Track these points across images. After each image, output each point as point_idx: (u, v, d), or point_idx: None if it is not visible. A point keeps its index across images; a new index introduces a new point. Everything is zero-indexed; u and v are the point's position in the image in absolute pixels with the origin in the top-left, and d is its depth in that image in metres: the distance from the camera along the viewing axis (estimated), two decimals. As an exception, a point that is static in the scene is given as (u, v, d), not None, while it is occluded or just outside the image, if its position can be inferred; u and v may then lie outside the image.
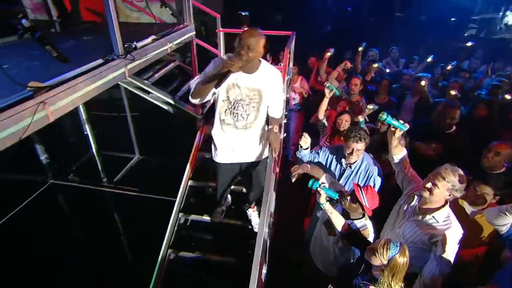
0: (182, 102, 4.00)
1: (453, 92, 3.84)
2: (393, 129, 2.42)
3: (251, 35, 2.12)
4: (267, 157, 2.82)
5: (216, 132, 2.65)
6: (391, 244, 2.02)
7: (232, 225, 3.41)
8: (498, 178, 2.87)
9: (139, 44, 2.52)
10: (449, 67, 5.00)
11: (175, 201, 3.56)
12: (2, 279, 3.28)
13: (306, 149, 3.00)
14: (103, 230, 4.01)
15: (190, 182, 3.70)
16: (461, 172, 2.19)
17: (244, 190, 3.44)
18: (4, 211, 4.05)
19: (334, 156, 3.07)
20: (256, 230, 3.26)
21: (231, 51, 2.35)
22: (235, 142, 2.63)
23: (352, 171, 2.97)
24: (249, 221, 3.33)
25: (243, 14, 7.57)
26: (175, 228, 3.43)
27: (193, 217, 3.51)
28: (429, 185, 2.21)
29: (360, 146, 2.79)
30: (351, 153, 2.82)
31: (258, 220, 3.28)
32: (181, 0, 3.44)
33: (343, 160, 2.98)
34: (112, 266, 3.54)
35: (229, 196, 3.33)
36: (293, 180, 2.75)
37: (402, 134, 2.48)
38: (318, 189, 2.39)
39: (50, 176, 4.72)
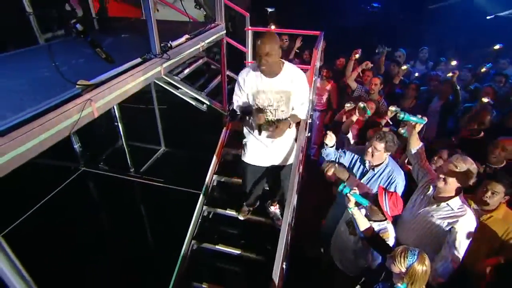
0: (210, 98, 4.12)
1: (485, 100, 3.73)
2: (413, 124, 2.60)
3: (264, 41, 2.15)
4: (291, 164, 2.87)
5: (249, 132, 2.74)
6: (409, 252, 2.04)
7: (254, 221, 3.49)
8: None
9: (174, 43, 2.62)
10: (483, 69, 4.83)
11: (198, 194, 3.68)
12: (35, 262, 3.54)
13: (331, 147, 3.02)
14: (129, 218, 4.21)
15: (215, 177, 3.82)
16: (471, 160, 2.30)
17: (266, 187, 3.51)
18: (39, 196, 4.32)
19: (359, 157, 3.09)
20: (278, 226, 3.33)
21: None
22: (266, 146, 2.70)
23: (375, 174, 2.97)
24: (271, 218, 3.40)
25: (269, 10, 7.58)
26: (199, 220, 3.56)
27: (217, 210, 3.62)
28: (442, 175, 2.32)
29: (379, 146, 2.80)
30: (370, 152, 2.85)
31: (280, 217, 3.35)
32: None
33: (367, 161, 2.99)
34: (138, 254, 3.72)
35: (255, 199, 3.38)
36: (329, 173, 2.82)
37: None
38: (348, 194, 2.43)
39: (82, 163, 4.99)
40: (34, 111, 1.58)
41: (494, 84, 4.38)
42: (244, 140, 2.85)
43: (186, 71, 4.12)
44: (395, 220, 2.71)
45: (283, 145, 2.73)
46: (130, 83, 2.11)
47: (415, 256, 2.03)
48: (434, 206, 2.43)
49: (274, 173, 2.99)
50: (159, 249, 3.86)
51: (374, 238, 2.49)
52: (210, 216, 3.72)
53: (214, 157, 3.85)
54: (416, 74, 5.28)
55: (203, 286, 3.15)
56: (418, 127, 2.61)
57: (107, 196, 4.65)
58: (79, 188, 4.68)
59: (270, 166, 2.89)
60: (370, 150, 2.85)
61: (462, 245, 2.30)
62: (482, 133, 3.44)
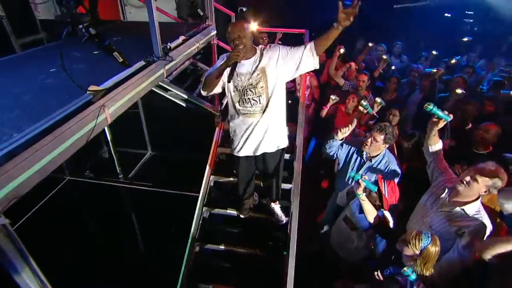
0: (200, 99, 4.04)
1: (459, 91, 3.94)
2: (436, 119, 2.44)
3: (233, 26, 2.25)
4: (284, 148, 2.87)
5: (235, 125, 2.68)
6: (423, 235, 2.14)
7: (255, 218, 3.48)
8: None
9: (173, 45, 2.55)
10: (453, 61, 5.13)
11: (192, 195, 3.63)
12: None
13: (340, 140, 3.08)
14: (124, 225, 4.07)
15: (212, 177, 3.76)
16: (503, 170, 2.24)
17: (263, 184, 3.51)
18: (25, 209, 4.05)
19: (356, 149, 3.17)
20: (282, 222, 3.36)
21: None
22: (254, 131, 2.62)
23: (372, 165, 3.07)
24: (273, 214, 3.41)
25: (244, 10, 7.55)
26: (200, 222, 3.50)
27: (216, 211, 3.57)
28: (467, 178, 2.26)
29: (379, 138, 2.90)
30: (369, 142, 2.95)
31: (281, 213, 3.38)
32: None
33: (364, 152, 3.08)
34: (139, 260, 3.62)
35: (255, 193, 3.36)
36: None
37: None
38: (360, 180, 2.48)
39: (67, 172, 4.72)
40: (50, 121, 1.47)
41: (464, 74, 4.66)
42: (232, 134, 2.80)
43: (175, 72, 4.00)
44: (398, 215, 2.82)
45: (270, 126, 2.64)
46: (138, 86, 2.03)
47: (429, 239, 2.13)
48: (447, 209, 2.39)
49: (267, 163, 2.94)
50: (161, 254, 3.76)
51: (381, 225, 2.58)
52: (210, 216, 3.67)
53: (210, 157, 3.79)
54: (393, 67, 5.50)
55: (210, 287, 3.11)
56: (441, 124, 2.45)
57: (97, 204, 4.46)
58: (66, 198, 4.45)
59: (262, 155, 2.83)
60: (369, 140, 2.93)
61: (472, 251, 2.24)
62: (470, 124, 3.63)
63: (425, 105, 2.42)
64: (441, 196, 2.47)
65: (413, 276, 2.00)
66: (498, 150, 3.19)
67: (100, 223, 4.21)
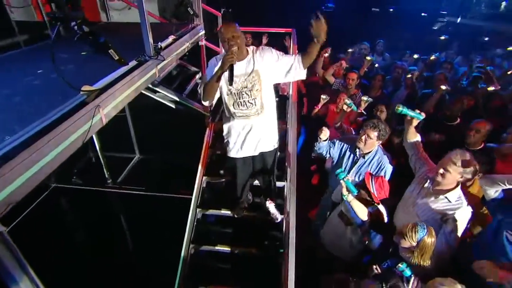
0: (190, 100, 3.98)
1: (443, 87, 4.06)
2: (409, 118, 2.58)
3: (227, 26, 2.22)
4: (277, 148, 2.87)
5: (229, 127, 2.66)
6: (419, 227, 2.17)
7: (249, 217, 3.45)
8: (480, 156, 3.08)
9: (163, 44, 2.49)
10: (432, 57, 5.29)
11: (184, 198, 3.57)
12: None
13: (325, 140, 3.09)
14: (117, 231, 3.94)
15: (204, 178, 3.71)
16: (469, 156, 2.37)
17: (256, 183, 3.49)
18: (9, 220, 3.85)
19: (349, 146, 3.19)
20: (277, 220, 3.34)
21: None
22: (252, 132, 2.62)
23: (365, 161, 3.09)
24: (268, 213, 3.39)
25: (228, 11, 7.53)
26: (194, 223, 3.44)
27: (210, 212, 3.52)
28: (441, 170, 2.38)
29: (373, 134, 2.92)
30: (363, 139, 2.95)
31: (276, 211, 3.36)
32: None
33: (357, 150, 3.10)
34: (134, 265, 3.51)
35: (249, 193, 3.34)
36: None
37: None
38: (342, 181, 2.52)
39: (52, 180, 4.54)
40: (44, 123, 1.40)
41: (444, 71, 4.81)
42: (226, 136, 2.76)
43: (162, 74, 3.93)
44: (391, 210, 2.84)
45: (265, 127, 2.66)
46: (132, 86, 1.97)
47: (425, 230, 2.17)
48: (432, 198, 2.50)
49: (263, 162, 2.93)
50: (156, 257, 3.66)
51: (375, 221, 2.61)
52: (204, 218, 3.61)
53: (201, 158, 3.74)
54: (376, 65, 5.60)
55: (208, 289, 3.06)
56: (415, 122, 2.60)
57: (87, 211, 4.29)
58: (53, 206, 4.27)
59: (258, 154, 2.82)
60: (363, 138, 2.95)
61: (457, 234, 2.39)
62: (458, 119, 3.73)
63: (396, 107, 2.56)
64: (424, 186, 2.57)
65: (407, 272, 2.01)
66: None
67: (91, 230, 4.06)
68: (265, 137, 2.68)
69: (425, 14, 9.21)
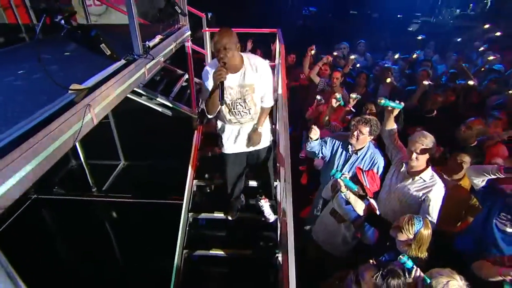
0: (177, 102, 3.89)
1: (426, 82, 4.18)
2: (390, 109, 2.79)
3: (220, 35, 2.10)
4: (270, 145, 2.86)
5: (223, 127, 2.67)
6: (415, 220, 2.19)
7: (242, 218, 3.38)
8: (472, 150, 3.15)
9: (151, 44, 2.41)
10: (414, 56, 5.45)
11: (174, 203, 3.47)
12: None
13: (316, 139, 3.08)
14: (105, 240, 3.76)
15: (194, 182, 3.61)
16: (428, 134, 2.60)
17: (251, 183, 3.44)
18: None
19: (341, 144, 3.19)
20: (269, 220, 3.29)
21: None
22: (242, 132, 2.65)
23: (358, 158, 3.10)
24: (262, 212, 3.33)
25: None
26: (186, 228, 3.34)
27: (203, 215, 3.43)
28: (415, 155, 2.58)
29: (365, 130, 2.94)
30: (355, 135, 2.97)
31: (270, 211, 3.31)
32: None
33: (349, 146, 3.11)
34: (127, 274, 3.34)
35: (242, 195, 3.28)
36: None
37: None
38: (339, 180, 2.51)
39: (32, 190, 4.29)
40: (31, 123, 1.30)
41: (426, 68, 4.94)
42: (220, 132, 2.74)
43: (150, 74, 3.81)
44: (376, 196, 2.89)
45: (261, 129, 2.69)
46: (122, 85, 1.87)
47: (421, 222, 2.18)
48: (410, 180, 2.68)
49: (255, 160, 2.91)
50: (148, 265, 3.52)
51: (371, 215, 2.61)
52: (197, 222, 3.51)
53: (191, 161, 3.64)
54: (358, 65, 5.70)
55: (205, 293, 2.96)
56: (395, 112, 2.81)
57: (71, 222, 4.07)
58: (35, 218, 4.02)
59: (249, 151, 2.81)
60: (355, 133, 2.97)
61: (435, 211, 2.57)
62: (435, 112, 3.84)
63: (378, 100, 2.78)
64: (401, 170, 2.77)
65: (409, 264, 2.00)
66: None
67: (77, 241, 3.83)
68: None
69: (401, 16, 9.53)
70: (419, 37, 6.28)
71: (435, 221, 2.59)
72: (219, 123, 2.69)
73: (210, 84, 2.31)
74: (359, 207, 2.57)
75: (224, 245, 3.25)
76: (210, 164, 3.89)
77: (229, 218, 3.30)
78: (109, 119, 4.83)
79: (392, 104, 2.75)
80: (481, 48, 6.16)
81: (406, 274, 1.96)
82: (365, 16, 9.37)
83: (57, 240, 3.80)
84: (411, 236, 2.20)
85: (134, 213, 4.16)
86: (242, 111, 2.49)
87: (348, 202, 2.77)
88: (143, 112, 4.30)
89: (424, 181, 2.63)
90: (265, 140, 2.77)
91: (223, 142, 2.72)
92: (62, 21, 1.42)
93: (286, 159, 2.85)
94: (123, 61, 2.02)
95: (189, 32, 3.39)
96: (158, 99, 3.70)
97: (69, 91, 1.51)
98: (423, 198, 2.61)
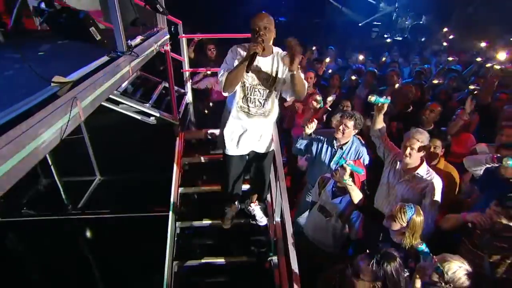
0: (156, 109, 3.69)
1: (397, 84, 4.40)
2: (380, 105, 2.73)
3: (264, 16, 2.10)
4: (273, 150, 2.78)
5: (230, 122, 2.49)
6: (407, 208, 2.19)
7: (234, 224, 3.22)
8: (438, 134, 3.21)
9: (133, 43, 2.25)
10: (383, 59, 5.70)
11: (158, 215, 3.26)
12: None
13: (309, 135, 3.08)
14: (87, 260, 3.40)
15: (180, 190, 3.42)
16: (424, 131, 2.64)
17: (243, 187, 3.30)
18: None
19: (326, 140, 3.18)
20: (262, 224, 3.16)
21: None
22: (250, 130, 2.51)
23: (343, 152, 3.11)
24: (253, 217, 3.20)
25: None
26: (175, 239, 3.13)
27: (192, 224, 3.23)
28: (408, 150, 2.56)
29: (350, 124, 2.97)
30: (341, 130, 2.99)
31: (261, 214, 3.19)
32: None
33: (334, 142, 3.11)
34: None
35: (237, 202, 3.12)
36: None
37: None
38: (345, 165, 2.45)
39: (-5, 215, 3.83)
40: (10, 115, 1.11)
41: (395, 69, 5.19)
42: (225, 133, 2.56)
43: (124, 84, 3.60)
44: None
45: (265, 128, 2.58)
46: (108, 81, 1.71)
47: (413, 209, 2.19)
48: (407, 177, 2.66)
49: (256, 164, 2.81)
50: (135, 284, 3.22)
51: (365, 206, 2.58)
52: (185, 231, 3.30)
53: (175, 169, 3.45)
54: (330, 71, 5.83)
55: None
56: (385, 108, 2.78)
57: (45, 244, 3.61)
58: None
59: (252, 155, 2.71)
60: (341, 128, 2.97)
61: (436, 204, 2.57)
62: (411, 107, 4.00)
63: (369, 98, 2.73)
64: (396, 168, 2.74)
65: (427, 250, 1.94)
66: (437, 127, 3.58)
67: (54, 264, 3.41)
68: (263, 139, 2.61)
69: (361, 24, 10.05)
70: (388, 40, 6.62)
71: (437, 214, 2.60)
72: (225, 124, 2.53)
73: (236, 62, 2.20)
74: (357, 195, 2.54)
75: (216, 253, 3.08)
76: (194, 170, 3.73)
77: (225, 227, 3.13)
78: (83, 133, 4.50)
79: (382, 100, 2.73)
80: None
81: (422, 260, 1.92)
82: (330, 24, 9.77)
83: (30, 266, 3.39)
84: (404, 224, 2.19)
85: (115, 229, 3.82)
86: (258, 99, 2.38)
87: (334, 196, 2.76)
88: (119, 124, 4.07)
89: (422, 176, 2.62)
90: (268, 145, 2.68)
91: (226, 143, 2.56)
92: (42, 4, 1.24)
93: (277, 158, 2.79)
94: (107, 58, 1.85)
95: (168, 36, 3.26)
96: (137, 106, 3.49)
97: (52, 84, 1.33)
98: (423, 193, 2.59)
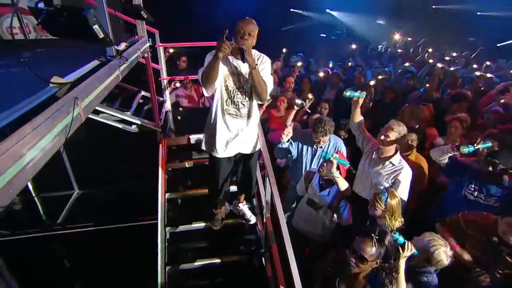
0: (136, 116, 3.59)
1: (372, 82, 4.67)
2: (355, 99, 2.94)
3: (250, 22, 2.11)
4: (258, 150, 2.80)
5: (217, 125, 2.48)
6: (380, 194, 2.38)
7: (224, 225, 3.20)
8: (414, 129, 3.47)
9: (120, 48, 2.20)
10: (349, 64, 6.00)
11: (144, 224, 3.16)
12: None
13: (287, 141, 3.18)
14: (70, 277, 3.17)
15: (167, 195, 3.33)
16: (401, 123, 2.82)
17: (231, 188, 3.28)
18: None
19: (305, 140, 3.30)
20: (251, 222, 3.17)
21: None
22: (237, 133, 2.51)
23: (323, 150, 3.26)
24: (241, 216, 3.19)
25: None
26: (166, 244, 3.03)
27: (181, 228, 3.16)
28: (382, 137, 2.77)
29: (326, 138, 3.14)
30: (319, 143, 3.15)
31: (250, 213, 3.19)
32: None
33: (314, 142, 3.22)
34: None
35: (226, 203, 3.10)
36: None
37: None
38: (331, 159, 2.55)
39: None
40: (13, 115, 1.06)
41: (359, 72, 5.50)
42: (212, 136, 2.54)
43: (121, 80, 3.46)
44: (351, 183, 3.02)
45: (251, 129, 2.58)
46: (102, 83, 1.66)
47: (386, 194, 2.34)
48: (380, 166, 2.85)
49: (243, 164, 2.81)
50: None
51: (352, 195, 2.70)
52: (175, 236, 3.20)
53: (160, 176, 3.36)
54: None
55: (195, 309, 2.68)
56: (361, 102, 2.95)
57: (24, 263, 3.34)
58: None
59: (239, 155, 2.71)
60: (317, 141, 3.15)
61: (404, 192, 2.76)
62: (372, 104, 4.32)
63: (344, 93, 2.92)
64: (372, 157, 2.93)
65: (401, 239, 2.02)
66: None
67: (39, 284, 3.17)
68: (250, 139, 2.61)
69: (324, 35, 10.52)
70: (353, 46, 7.02)
71: (406, 201, 2.76)
72: (211, 128, 2.51)
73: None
74: (343, 184, 2.64)
75: (208, 255, 3.04)
76: (179, 176, 3.65)
77: (214, 228, 3.09)
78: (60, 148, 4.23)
79: (357, 94, 2.90)
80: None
81: (400, 250, 2.01)
82: (298, 32, 10.13)
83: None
84: (383, 208, 2.35)
85: (101, 242, 3.60)
86: (241, 102, 2.40)
87: (322, 189, 2.86)
88: (96, 134, 3.90)
89: (394, 165, 2.80)
90: (254, 146, 2.69)
91: (216, 145, 2.54)
92: (41, 4, 1.18)
93: (265, 153, 2.82)
94: (97, 62, 1.80)
95: (148, 44, 3.21)
96: (118, 114, 3.37)
97: (50, 85, 1.28)
98: (393, 181, 2.78)
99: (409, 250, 1.96)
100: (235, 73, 2.32)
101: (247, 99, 2.41)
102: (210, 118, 2.53)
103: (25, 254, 3.41)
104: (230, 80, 2.33)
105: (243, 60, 2.17)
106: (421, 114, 4.03)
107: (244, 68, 2.31)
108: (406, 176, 2.77)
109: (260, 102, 2.47)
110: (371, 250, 1.94)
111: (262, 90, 2.26)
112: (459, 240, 2.37)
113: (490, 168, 2.62)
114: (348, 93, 2.90)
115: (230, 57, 2.29)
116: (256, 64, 2.19)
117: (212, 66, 2.12)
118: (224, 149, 2.57)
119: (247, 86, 2.37)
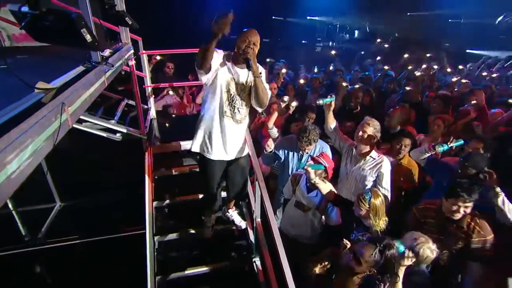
0: (121, 124, 3.51)
1: (344, 84, 4.76)
2: (327, 104, 3.11)
3: (255, 33, 2.17)
4: (248, 154, 2.81)
5: (213, 126, 2.47)
6: (364, 194, 2.41)
7: (213, 232, 3.15)
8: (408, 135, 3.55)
9: (105, 54, 2.16)
10: (331, 68, 6.15)
11: (130, 234, 3.09)
12: None
13: (270, 151, 3.20)
14: None
15: (154, 204, 3.26)
16: (376, 120, 3.00)
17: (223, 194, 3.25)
18: None
19: (290, 146, 3.34)
20: (241, 227, 3.15)
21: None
22: (230, 137, 2.51)
23: (309, 154, 3.28)
24: (232, 222, 3.16)
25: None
26: (155, 254, 2.95)
27: (170, 236, 3.09)
28: (360, 133, 2.92)
29: (311, 147, 3.18)
30: (305, 150, 3.20)
31: (239, 218, 3.18)
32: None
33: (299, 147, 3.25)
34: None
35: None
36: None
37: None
38: (306, 167, 2.60)
39: None
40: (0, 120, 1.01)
41: (341, 76, 5.64)
42: (207, 139, 2.52)
43: (106, 86, 3.37)
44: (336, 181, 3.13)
45: (242, 134, 2.62)
46: (89, 89, 1.62)
47: (369, 193, 2.39)
48: (362, 161, 2.98)
49: (234, 168, 2.78)
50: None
51: (337, 198, 2.72)
52: (164, 245, 3.13)
53: (147, 184, 3.29)
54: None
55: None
56: (332, 106, 3.11)
57: (2, 283, 3.16)
58: None
59: (230, 160, 2.69)
60: (305, 149, 3.20)
61: (387, 182, 2.89)
62: (359, 107, 4.37)
63: (317, 102, 3.12)
64: (353, 155, 3.06)
65: (401, 248, 2.02)
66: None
67: None
68: (239, 144, 2.62)
69: (305, 41, 10.74)
70: (333, 52, 7.25)
71: (389, 191, 2.88)
72: (205, 128, 2.50)
73: (215, 60, 2.24)
74: (325, 189, 2.66)
75: (198, 262, 2.99)
76: (166, 184, 3.59)
77: (205, 236, 3.05)
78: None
79: (327, 100, 3.07)
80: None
81: (403, 260, 2.03)
82: (276, 42, 10.27)
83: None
84: (368, 208, 2.38)
85: (87, 255, 3.47)
86: (238, 107, 2.43)
87: (310, 191, 2.88)
88: (80, 143, 3.77)
89: (374, 158, 2.95)
90: (245, 148, 2.70)
91: (210, 145, 2.52)
92: (25, 8, 1.12)
93: (254, 159, 2.82)
94: (82, 68, 1.76)
95: (132, 51, 3.16)
96: (102, 123, 3.28)
97: (36, 90, 1.24)
98: (377, 174, 2.92)
99: (409, 259, 2.00)
100: (236, 80, 2.36)
101: (243, 105, 2.46)
102: (206, 118, 2.50)
103: (3, 273, 3.23)
104: (233, 85, 2.36)
105: (248, 68, 2.19)
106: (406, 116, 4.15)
107: (243, 76, 2.36)
108: (387, 167, 2.92)
109: (260, 109, 2.54)
110: (370, 257, 1.95)
111: (264, 97, 2.37)
112: (420, 230, 2.40)
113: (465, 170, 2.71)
114: (320, 101, 3.08)
115: (232, 64, 2.33)
116: (260, 73, 2.26)
117: (210, 43, 2.04)
118: (217, 151, 2.55)
119: (244, 95, 2.42)
